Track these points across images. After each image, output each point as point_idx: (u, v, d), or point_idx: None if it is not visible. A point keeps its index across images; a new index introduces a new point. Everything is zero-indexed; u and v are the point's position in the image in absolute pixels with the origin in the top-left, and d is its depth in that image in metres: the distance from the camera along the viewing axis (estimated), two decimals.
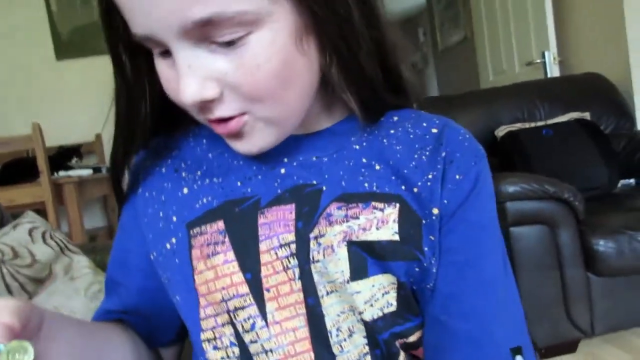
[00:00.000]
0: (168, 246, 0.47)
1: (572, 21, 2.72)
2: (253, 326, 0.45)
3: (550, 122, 2.17)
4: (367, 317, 0.45)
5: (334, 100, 0.49)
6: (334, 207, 0.45)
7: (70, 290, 1.10)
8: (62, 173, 2.52)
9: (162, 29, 0.38)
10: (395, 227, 0.44)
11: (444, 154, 0.47)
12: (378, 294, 0.44)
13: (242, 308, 0.45)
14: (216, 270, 0.45)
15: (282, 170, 0.48)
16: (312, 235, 0.44)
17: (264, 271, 0.45)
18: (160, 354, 0.57)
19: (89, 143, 3.11)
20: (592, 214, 1.69)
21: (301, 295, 0.44)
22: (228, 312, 0.45)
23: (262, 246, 0.45)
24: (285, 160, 0.48)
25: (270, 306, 0.45)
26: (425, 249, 0.45)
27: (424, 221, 0.45)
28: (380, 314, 0.45)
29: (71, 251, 1.29)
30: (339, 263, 0.44)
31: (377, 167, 0.47)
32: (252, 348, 0.45)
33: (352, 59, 0.43)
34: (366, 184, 0.46)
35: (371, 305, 0.44)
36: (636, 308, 1.68)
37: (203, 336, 0.47)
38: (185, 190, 0.49)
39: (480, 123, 2.23)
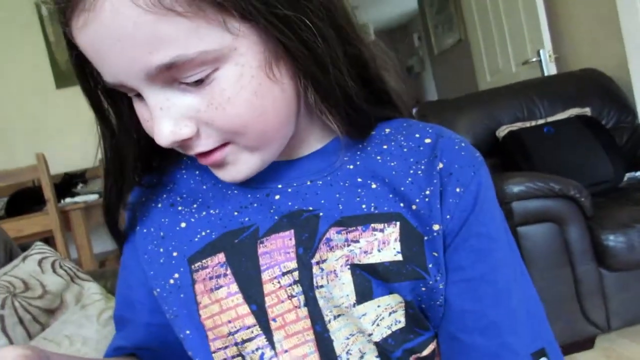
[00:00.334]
0: (172, 282, 0.47)
1: (565, 17, 2.73)
2: (262, 357, 0.45)
3: (550, 119, 2.16)
4: (377, 337, 0.44)
5: (321, 122, 0.48)
6: (333, 232, 0.45)
7: (82, 318, 1.11)
8: (68, 200, 2.54)
9: (129, 77, 0.38)
10: (398, 246, 0.44)
11: (439, 166, 0.46)
12: (384, 313, 0.44)
13: (250, 340, 0.45)
14: (221, 303, 0.45)
15: (277, 197, 0.47)
16: (314, 261, 0.44)
17: (268, 301, 0.44)
18: None
19: (93, 168, 3.11)
20: (599, 209, 1.68)
21: (308, 322, 0.44)
22: (236, 344, 0.45)
23: (265, 276, 0.45)
24: (280, 186, 0.48)
25: (278, 335, 0.44)
26: (430, 266, 0.44)
27: (425, 238, 0.45)
28: (389, 332, 0.44)
29: (81, 279, 1.30)
30: (344, 287, 0.44)
31: (374, 186, 0.47)
32: None
33: (327, 81, 0.42)
34: (364, 206, 0.46)
35: (378, 325, 0.44)
36: None
37: None
38: (183, 225, 0.49)
39: (481, 124, 2.23)
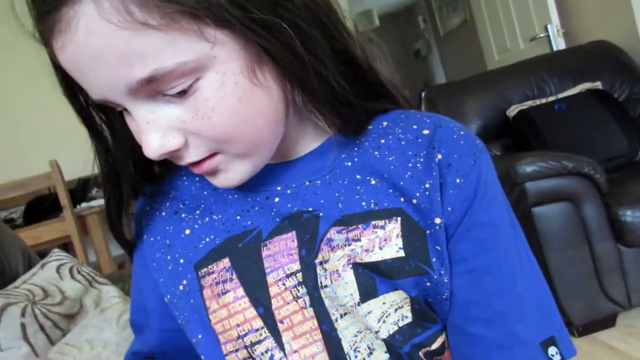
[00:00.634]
0: (181, 288, 0.48)
1: None
2: (272, 358, 0.45)
3: (561, 96, 2.13)
4: (384, 334, 0.44)
5: (314, 122, 0.48)
6: (333, 231, 0.45)
7: (102, 322, 1.12)
8: (84, 205, 2.57)
9: (112, 93, 0.38)
10: (400, 242, 0.44)
11: (438, 158, 0.45)
12: (390, 310, 0.44)
13: (259, 342, 0.45)
14: (228, 308, 0.45)
15: (276, 199, 0.47)
16: (317, 261, 0.44)
17: (274, 303, 0.44)
18: None
19: None
20: (615, 184, 1.65)
21: (315, 322, 0.44)
22: (245, 347, 0.45)
23: (270, 279, 0.45)
24: (279, 188, 0.48)
25: (286, 336, 0.45)
26: (433, 259, 0.44)
27: (427, 232, 0.44)
28: (396, 327, 0.44)
29: (99, 283, 1.32)
30: (347, 287, 0.43)
31: (373, 182, 0.46)
32: None
33: (313, 81, 0.41)
34: (363, 203, 0.45)
35: (384, 322, 0.44)
36: None
37: None
38: (188, 232, 0.49)
39: (490, 105, 2.20)
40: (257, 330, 0.45)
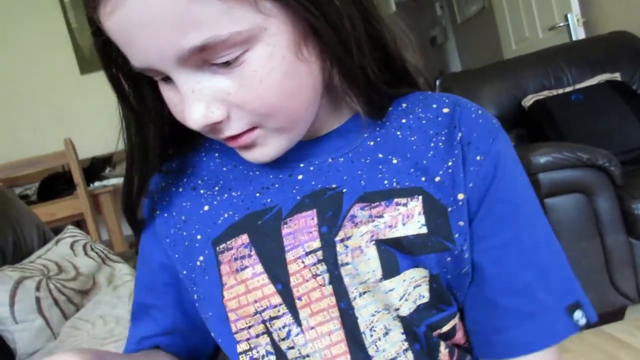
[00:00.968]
0: (198, 263, 0.48)
1: None
2: (289, 334, 0.45)
3: (578, 86, 2.10)
4: (405, 312, 0.45)
5: (339, 100, 0.49)
6: (357, 208, 0.45)
7: (115, 299, 1.15)
8: (97, 184, 2.60)
9: (160, 61, 0.38)
10: (422, 219, 0.44)
11: (459, 136, 0.47)
12: (410, 287, 0.44)
13: (277, 317, 0.45)
14: (246, 284, 0.45)
15: (300, 177, 0.48)
16: (337, 239, 0.44)
17: (293, 281, 0.45)
18: None
19: (119, 152, 3.17)
20: (630, 177, 1.64)
21: (333, 299, 0.45)
22: (263, 322, 0.46)
23: (289, 256, 0.45)
24: (302, 165, 0.48)
25: (303, 313, 0.45)
26: (456, 235, 0.45)
27: (449, 209, 0.45)
28: (414, 306, 0.45)
29: (112, 260, 1.34)
30: (370, 263, 0.44)
31: (395, 161, 0.47)
32: (290, 354, 0.46)
33: (352, 60, 0.42)
34: (386, 181, 0.46)
35: (406, 299, 0.44)
36: None
37: (239, 348, 0.47)
38: (206, 208, 0.49)
39: (506, 94, 2.18)
40: (275, 306, 0.45)
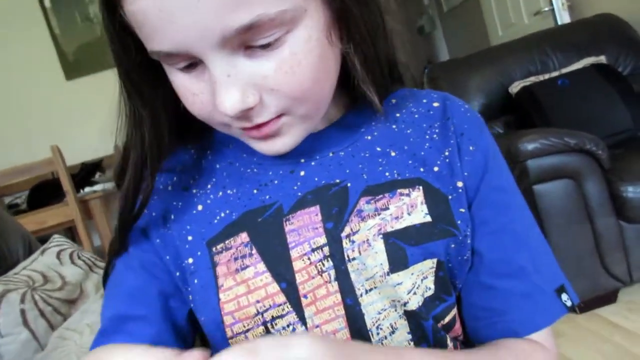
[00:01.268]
0: (185, 265, 0.46)
1: None
2: (293, 332, 0.45)
3: (564, 71, 2.09)
4: (413, 306, 0.45)
5: (337, 93, 0.49)
6: (363, 202, 0.45)
7: None
8: (87, 189, 2.58)
9: (199, 42, 0.36)
10: (425, 208, 0.45)
11: (452, 127, 0.48)
12: (418, 280, 0.45)
13: (281, 317, 0.44)
14: (248, 284, 0.44)
15: (302, 173, 0.47)
16: (343, 234, 0.44)
17: (298, 278, 0.44)
18: None
19: (109, 156, 3.17)
20: (618, 160, 1.64)
21: (339, 296, 0.44)
22: (264, 323, 0.45)
23: (294, 253, 0.44)
24: (302, 160, 0.48)
25: (308, 311, 0.44)
26: (459, 222, 0.46)
27: (449, 197, 0.46)
28: (422, 299, 0.45)
29: (100, 267, 1.33)
30: (377, 256, 0.44)
31: (393, 154, 0.48)
32: None
33: (370, 46, 0.43)
34: (387, 173, 0.47)
35: (414, 293, 0.45)
36: None
37: None
38: (200, 207, 0.48)
39: (493, 82, 2.17)
40: (279, 305, 0.44)
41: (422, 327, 0.45)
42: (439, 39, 4.94)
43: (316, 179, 0.47)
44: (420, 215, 0.45)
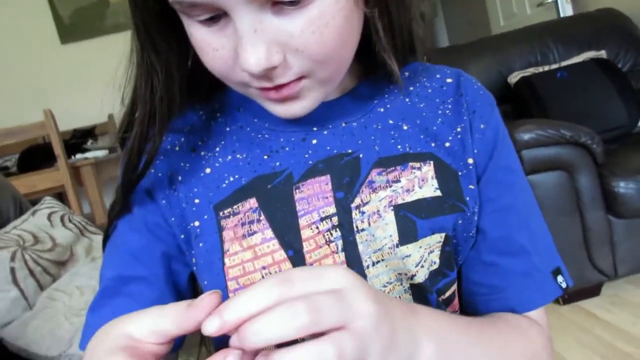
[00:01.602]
0: (191, 228, 0.46)
1: None
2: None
3: (564, 64, 2.09)
4: (420, 279, 0.45)
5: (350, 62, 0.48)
6: (374, 173, 0.45)
7: (92, 270, 1.13)
8: (79, 156, 2.56)
9: None
10: (435, 183, 0.45)
11: (465, 104, 0.48)
12: (425, 253, 0.45)
13: None
14: (254, 250, 0.44)
15: (314, 141, 0.46)
16: (353, 205, 0.44)
17: (306, 247, 0.44)
18: None
19: (102, 124, 3.13)
20: (611, 155, 1.65)
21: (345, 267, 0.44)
22: None
23: (302, 221, 0.44)
24: (315, 129, 0.47)
25: None
26: (467, 198, 0.46)
27: (460, 173, 0.46)
28: (427, 273, 0.45)
29: (90, 232, 1.32)
30: (387, 228, 0.44)
31: (405, 127, 0.47)
32: None
33: (395, 12, 0.42)
34: (399, 146, 0.46)
35: (422, 266, 0.45)
36: None
37: None
38: (208, 170, 0.47)
39: (492, 71, 2.17)
40: None
41: (427, 300, 0.46)
42: (440, 25, 4.92)
43: (328, 147, 0.46)
44: (430, 189, 0.45)
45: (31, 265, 1.07)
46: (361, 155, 0.45)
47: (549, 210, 1.60)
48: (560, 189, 1.60)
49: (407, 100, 0.49)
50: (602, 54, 2.10)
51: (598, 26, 2.20)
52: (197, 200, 0.46)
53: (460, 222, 0.46)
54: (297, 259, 0.44)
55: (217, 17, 0.38)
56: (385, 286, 0.44)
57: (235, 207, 0.45)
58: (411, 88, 0.50)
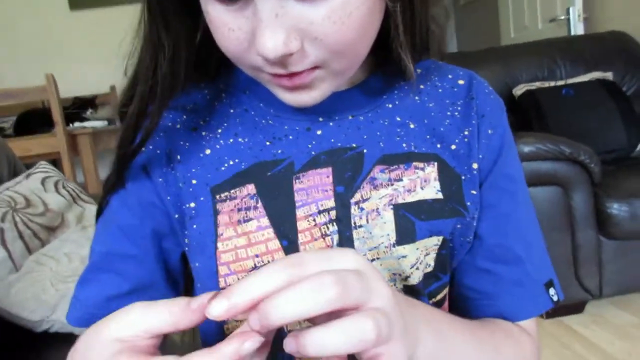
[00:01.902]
0: (187, 208, 0.45)
1: None
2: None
3: (570, 81, 2.10)
4: (414, 280, 0.44)
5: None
6: (377, 170, 0.44)
7: (82, 238, 1.13)
8: (77, 124, 2.54)
9: None
10: (437, 185, 0.45)
11: (475, 108, 0.47)
12: (422, 255, 0.44)
13: None
14: (249, 237, 0.43)
15: (319, 132, 0.45)
16: (352, 200, 0.43)
17: (301, 238, 0.43)
18: None
19: (103, 94, 3.11)
20: (608, 176, 1.66)
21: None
22: None
23: (300, 212, 0.43)
24: (321, 119, 0.46)
25: None
26: (468, 203, 0.46)
27: (463, 177, 0.46)
28: (422, 275, 0.45)
29: (84, 201, 1.31)
30: (385, 226, 0.43)
31: (412, 126, 0.47)
32: None
33: (417, 7, 0.41)
34: (404, 144, 0.46)
35: (417, 268, 0.44)
36: None
37: None
38: (208, 151, 0.45)
39: (498, 81, 2.17)
40: None
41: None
42: (450, 30, 4.91)
43: (332, 140, 0.45)
44: (432, 191, 0.44)
45: (21, 228, 1.06)
46: (365, 151, 0.45)
47: (541, 224, 1.58)
48: (555, 205, 1.61)
49: (416, 98, 0.48)
50: (609, 75, 2.11)
51: (607, 48, 2.21)
52: (194, 181, 0.45)
53: (458, 226, 0.45)
54: (291, 249, 0.43)
55: None
56: None
57: (232, 191, 0.44)
58: (422, 86, 0.49)
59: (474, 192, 0.46)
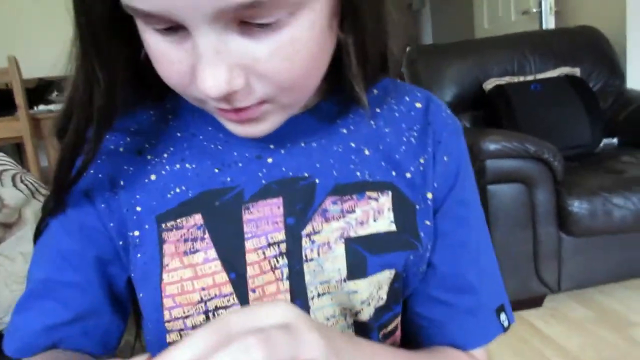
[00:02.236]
0: (131, 236, 0.43)
1: None
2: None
3: (539, 76, 2.13)
4: (364, 317, 0.44)
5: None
6: (329, 202, 0.43)
7: None
8: (41, 107, 2.47)
9: (191, 11, 0.31)
10: (391, 216, 0.44)
11: (432, 134, 0.46)
12: (374, 290, 0.43)
13: (225, 308, 0.42)
14: (195, 269, 0.41)
15: (270, 160, 0.44)
16: (304, 232, 0.42)
17: (250, 271, 0.42)
18: None
19: (69, 77, 3.02)
20: (571, 173, 1.69)
21: (288, 296, 0.42)
22: (206, 312, 0.42)
23: (248, 245, 0.42)
24: (272, 146, 0.44)
25: None
26: (422, 234, 0.45)
27: (417, 207, 0.45)
28: (373, 310, 0.44)
29: (43, 195, 1.28)
30: (336, 260, 0.42)
31: (367, 153, 0.45)
32: None
33: (371, 38, 0.39)
34: (358, 172, 0.44)
35: (368, 304, 0.43)
36: (603, 266, 1.72)
37: (169, 338, 0.43)
38: (153, 177, 0.43)
39: (470, 75, 2.19)
40: (225, 295, 0.42)
41: (369, 338, 0.45)
42: (426, 17, 4.91)
43: (284, 169, 0.43)
44: (386, 222, 0.43)
45: None
46: (317, 181, 0.43)
47: (504, 221, 1.64)
48: (518, 202, 1.64)
49: (372, 122, 0.46)
50: (576, 71, 2.14)
51: (576, 42, 2.24)
52: (138, 208, 0.43)
53: (411, 258, 0.44)
54: (239, 282, 0.42)
55: (177, 27, 0.33)
56: (328, 319, 0.43)
57: (179, 220, 0.42)
58: (378, 110, 0.47)
59: (427, 222, 0.45)
